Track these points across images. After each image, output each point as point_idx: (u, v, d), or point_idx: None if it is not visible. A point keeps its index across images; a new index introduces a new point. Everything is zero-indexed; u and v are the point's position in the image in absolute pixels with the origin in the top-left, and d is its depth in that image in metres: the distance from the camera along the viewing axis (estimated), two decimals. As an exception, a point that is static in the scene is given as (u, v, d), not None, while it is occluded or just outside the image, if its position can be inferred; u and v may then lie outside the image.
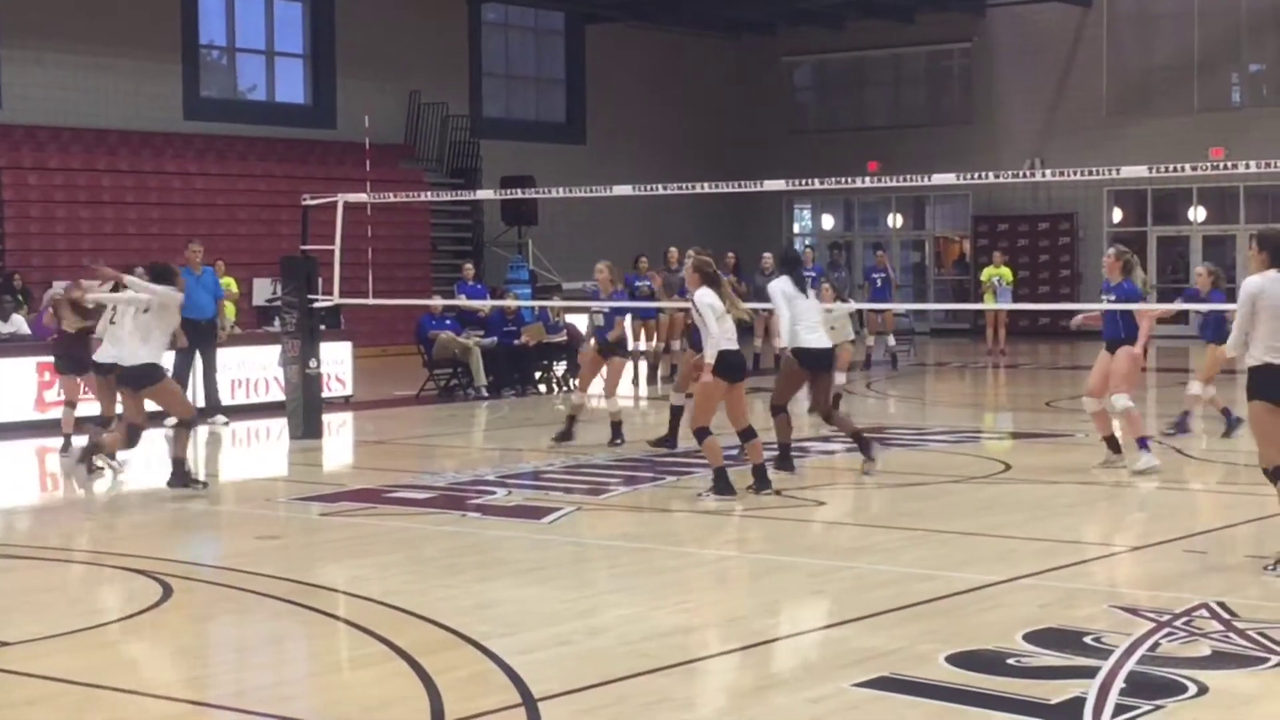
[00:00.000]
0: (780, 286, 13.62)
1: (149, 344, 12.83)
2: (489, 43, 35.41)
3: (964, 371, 26.46)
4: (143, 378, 12.78)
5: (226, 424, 18.28)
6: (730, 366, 12.12)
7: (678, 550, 10.52)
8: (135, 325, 12.84)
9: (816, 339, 13.54)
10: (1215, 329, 15.74)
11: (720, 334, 12.05)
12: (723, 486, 12.17)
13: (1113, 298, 13.57)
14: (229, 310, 23.05)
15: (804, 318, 13.49)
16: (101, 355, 14.11)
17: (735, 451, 12.99)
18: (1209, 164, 21.71)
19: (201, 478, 13.58)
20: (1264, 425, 9.38)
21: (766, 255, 25.47)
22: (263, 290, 25.75)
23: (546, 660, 7.55)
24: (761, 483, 12.31)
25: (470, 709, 6.68)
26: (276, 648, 8.30)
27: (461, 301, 22.76)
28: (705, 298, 12.24)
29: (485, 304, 22.89)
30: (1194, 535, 10.66)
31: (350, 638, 8.32)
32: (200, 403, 17.83)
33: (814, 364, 13.54)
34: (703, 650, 7.85)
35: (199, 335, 18.25)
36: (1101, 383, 13.60)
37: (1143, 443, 13.45)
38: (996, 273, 28.20)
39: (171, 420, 14.47)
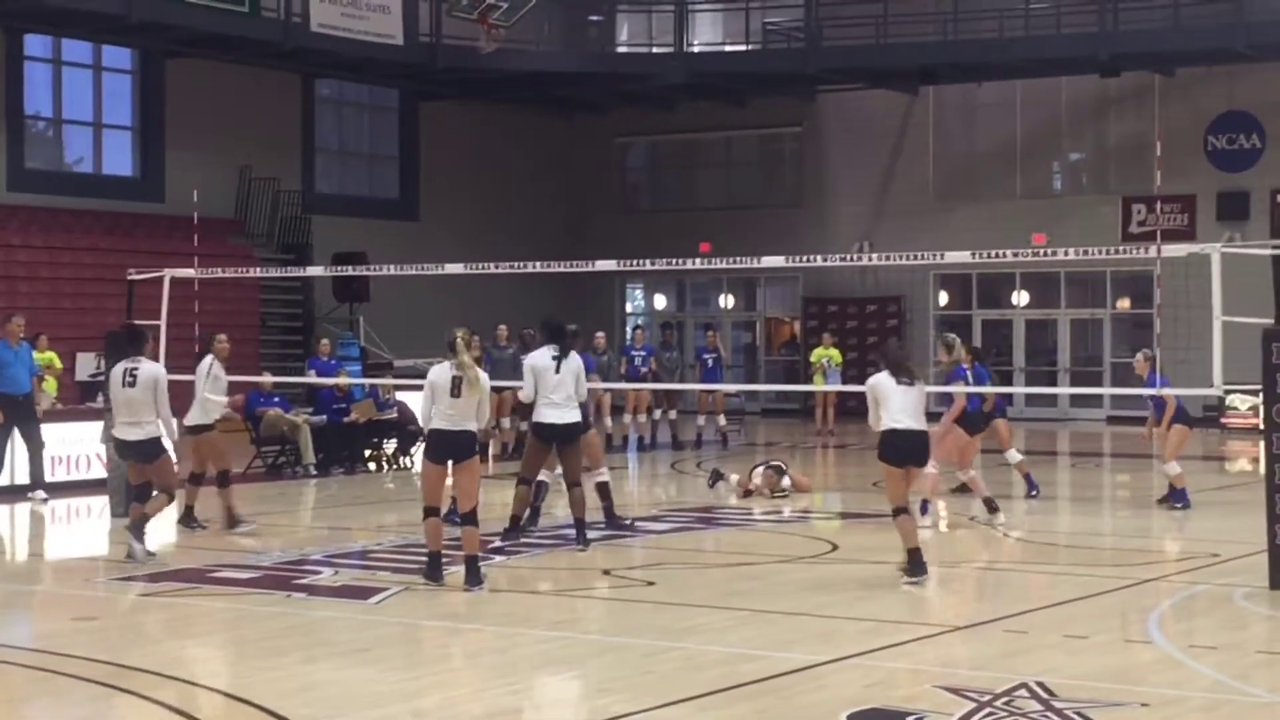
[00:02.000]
0: (533, 361, 14.00)
1: None
2: (322, 118, 35.24)
3: (794, 451, 26.66)
4: None
5: (45, 500, 17.88)
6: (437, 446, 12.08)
7: (508, 631, 10.45)
8: None
9: (556, 414, 13.78)
10: (1160, 410, 16.67)
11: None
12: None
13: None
14: (50, 385, 22.59)
15: (553, 392, 13.77)
16: None
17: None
18: (1031, 250, 22.18)
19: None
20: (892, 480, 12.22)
21: (599, 335, 25.56)
22: (86, 365, 25.29)
23: (371, 744, 7.45)
24: (472, 577, 11.77)
25: (292, 794, 6.58)
26: (92, 733, 8.10)
27: (291, 379, 22.50)
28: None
29: (317, 381, 22.64)
30: (1014, 615, 10.80)
31: (169, 722, 8.15)
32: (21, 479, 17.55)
33: (550, 437, 13.94)
34: (530, 732, 7.80)
35: (16, 410, 17.99)
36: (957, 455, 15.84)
37: (924, 506, 14.97)
38: (825, 354, 28.56)
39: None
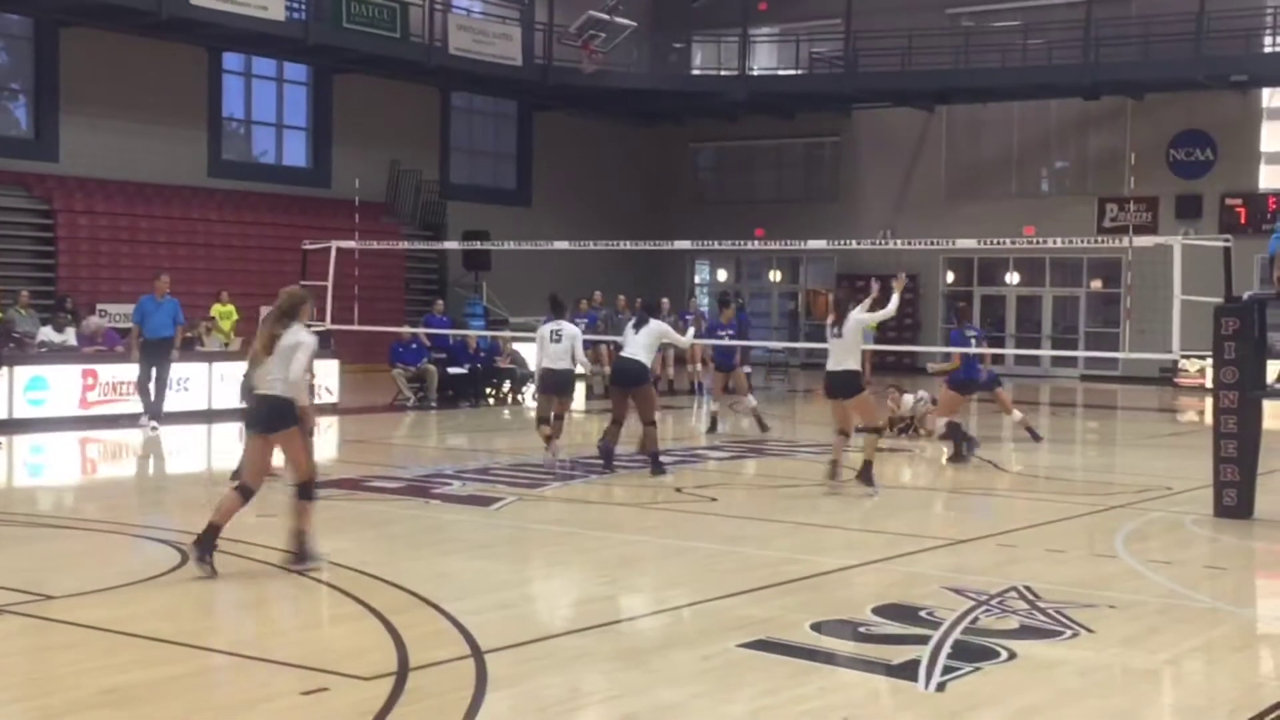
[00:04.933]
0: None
1: None
2: (456, 123, 35.30)
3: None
4: None
5: (155, 429, 17.09)
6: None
7: (599, 534, 10.48)
8: None
9: (621, 364, 14.01)
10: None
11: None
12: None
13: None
14: (226, 328, 22.70)
15: (625, 349, 13.97)
16: None
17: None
18: (1023, 239, 21.93)
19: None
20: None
21: (664, 300, 25.49)
22: (267, 317, 25.44)
23: (492, 620, 7.49)
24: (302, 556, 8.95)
25: (430, 658, 6.62)
26: (271, 606, 8.18)
27: (423, 330, 22.55)
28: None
29: (447, 332, 22.74)
30: (1005, 532, 10.72)
31: (332, 598, 8.21)
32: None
33: (620, 382, 14.04)
34: (617, 615, 7.81)
35: (157, 352, 17.45)
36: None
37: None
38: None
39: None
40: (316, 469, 9.10)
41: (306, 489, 8.82)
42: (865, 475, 12.36)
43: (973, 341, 15.97)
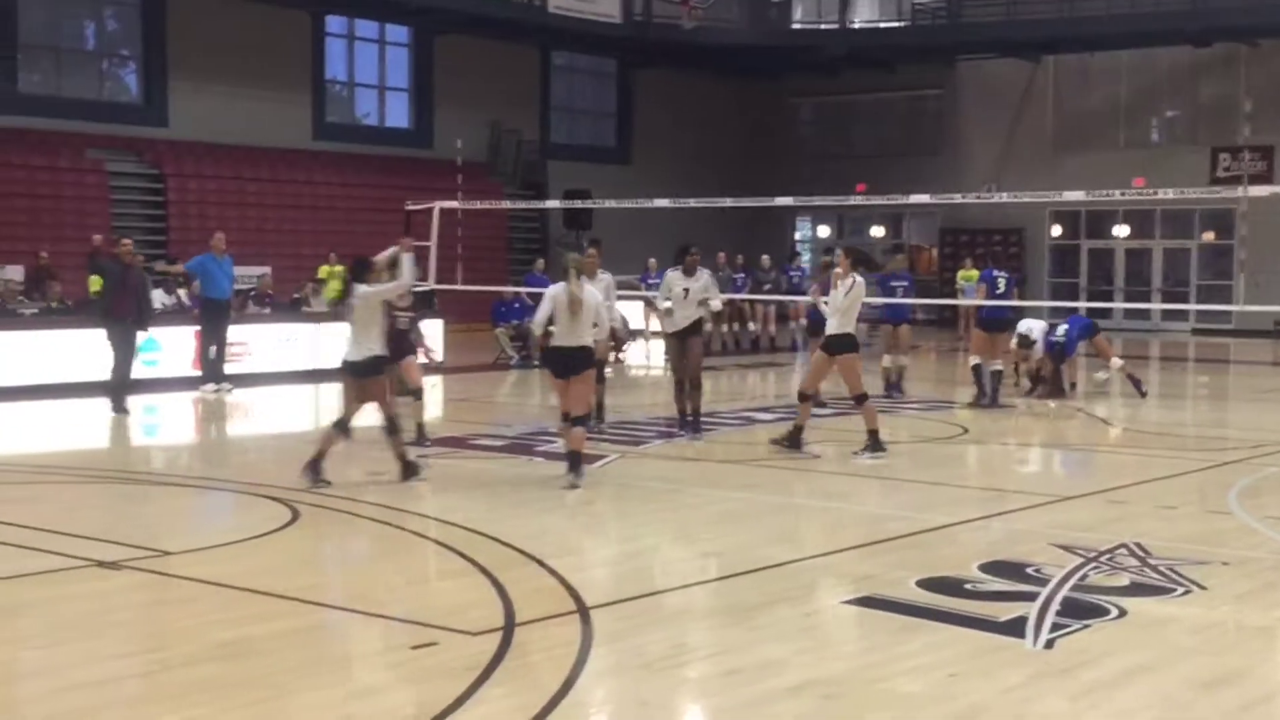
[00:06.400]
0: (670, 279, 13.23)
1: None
2: (556, 82, 35.32)
3: (933, 353, 26.27)
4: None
5: (217, 392, 17.00)
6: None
7: (701, 491, 10.47)
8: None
9: (671, 325, 13.16)
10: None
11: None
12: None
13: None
14: (337, 290, 22.93)
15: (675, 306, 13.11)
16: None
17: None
18: (1132, 191, 21.49)
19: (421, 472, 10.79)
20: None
21: (765, 257, 25.47)
22: (372, 276, 25.69)
23: (596, 576, 7.54)
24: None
25: (536, 614, 6.68)
26: (381, 562, 8.30)
27: (524, 289, 22.59)
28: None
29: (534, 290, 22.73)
30: (1116, 488, 10.56)
31: (439, 555, 8.32)
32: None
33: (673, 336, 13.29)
34: (720, 571, 7.81)
35: (217, 312, 17.09)
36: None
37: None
38: (967, 276, 27.98)
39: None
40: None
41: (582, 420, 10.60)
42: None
43: (1000, 283, 15.97)
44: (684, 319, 13.07)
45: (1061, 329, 16.78)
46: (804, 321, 23.86)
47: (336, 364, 10.79)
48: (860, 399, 11.99)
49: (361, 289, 10.54)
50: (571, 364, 10.69)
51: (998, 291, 16.02)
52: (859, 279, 12.01)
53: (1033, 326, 16.94)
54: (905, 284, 17.41)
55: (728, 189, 28.56)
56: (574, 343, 10.68)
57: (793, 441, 12.03)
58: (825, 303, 12.28)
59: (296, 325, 19.38)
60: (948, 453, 12.65)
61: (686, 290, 13.04)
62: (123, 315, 15.35)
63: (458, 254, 19.18)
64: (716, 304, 13.56)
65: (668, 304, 13.15)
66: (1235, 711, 5.43)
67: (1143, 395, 16.95)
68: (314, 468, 10.25)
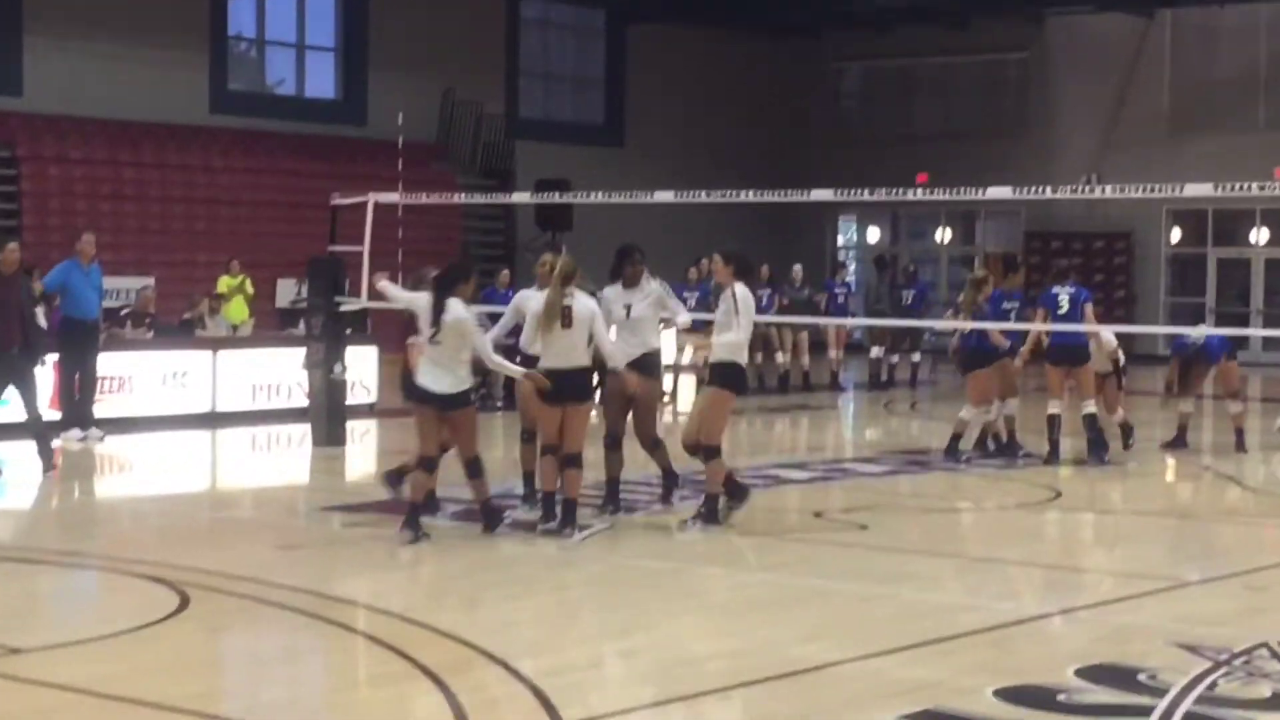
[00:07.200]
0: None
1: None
2: (527, 40, 35.43)
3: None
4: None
5: (83, 439, 16.78)
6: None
7: (712, 572, 10.45)
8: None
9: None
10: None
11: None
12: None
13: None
14: (239, 309, 23.00)
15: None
16: None
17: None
18: (1274, 184, 21.56)
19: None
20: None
21: (796, 267, 25.49)
22: (286, 291, 25.80)
23: (576, 683, 7.52)
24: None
25: (496, 732, 6.68)
26: (295, 662, 8.28)
27: (483, 308, 22.57)
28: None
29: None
30: (1255, 570, 10.55)
31: (371, 654, 8.30)
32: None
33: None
34: (738, 677, 7.75)
35: (82, 337, 16.91)
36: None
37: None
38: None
39: None
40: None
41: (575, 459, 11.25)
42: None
43: (1064, 303, 16.02)
44: (627, 351, 12.22)
45: (1200, 330, 16.96)
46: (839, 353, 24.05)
47: (415, 394, 11.42)
48: (711, 452, 11.73)
49: (456, 308, 11.04)
50: (570, 389, 10.99)
51: (1060, 313, 15.90)
52: (740, 289, 11.69)
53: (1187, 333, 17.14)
54: (1019, 303, 16.97)
55: (748, 179, 28.57)
56: (572, 363, 11.01)
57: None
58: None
59: (187, 354, 19.37)
60: (1032, 522, 12.65)
61: (628, 308, 12.44)
62: (6, 345, 14.76)
63: (398, 262, 19.17)
64: (683, 319, 13.17)
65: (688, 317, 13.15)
66: None
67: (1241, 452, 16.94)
68: (412, 525, 10.95)
